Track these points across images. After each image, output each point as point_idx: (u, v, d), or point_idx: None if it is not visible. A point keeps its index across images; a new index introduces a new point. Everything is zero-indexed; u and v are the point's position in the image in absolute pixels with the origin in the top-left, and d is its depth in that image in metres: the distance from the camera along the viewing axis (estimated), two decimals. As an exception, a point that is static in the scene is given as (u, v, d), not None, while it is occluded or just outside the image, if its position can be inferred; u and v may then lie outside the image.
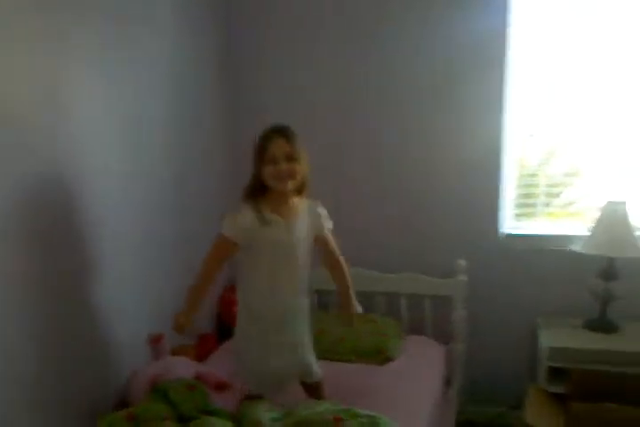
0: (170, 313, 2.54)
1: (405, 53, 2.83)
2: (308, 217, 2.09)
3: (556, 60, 2.74)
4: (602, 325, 2.60)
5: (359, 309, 2.20)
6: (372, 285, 2.94)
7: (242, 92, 3.06)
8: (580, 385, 2.33)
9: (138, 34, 2.33)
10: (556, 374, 2.46)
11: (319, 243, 2.15)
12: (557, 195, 2.89)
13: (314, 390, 2.21)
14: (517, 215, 2.95)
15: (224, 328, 3.00)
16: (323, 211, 2.14)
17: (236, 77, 3.05)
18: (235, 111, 3.07)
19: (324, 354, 2.50)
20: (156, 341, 2.43)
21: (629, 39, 2.64)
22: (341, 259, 2.20)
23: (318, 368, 2.19)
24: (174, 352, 2.52)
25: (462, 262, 2.82)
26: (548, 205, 2.91)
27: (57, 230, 1.94)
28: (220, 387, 2.37)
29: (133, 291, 2.36)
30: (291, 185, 1.97)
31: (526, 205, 2.94)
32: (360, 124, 2.94)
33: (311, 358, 2.18)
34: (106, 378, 2.21)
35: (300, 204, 2.07)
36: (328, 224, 2.16)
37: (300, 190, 2.05)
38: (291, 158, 1.94)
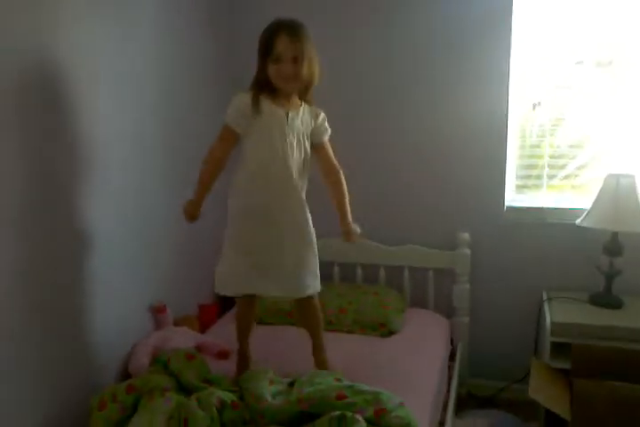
0: (171, 282, 2.57)
1: (409, 24, 2.77)
2: (307, 116, 2.05)
3: (565, 26, 2.68)
4: (607, 300, 2.58)
5: (357, 229, 2.14)
6: (375, 257, 2.94)
7: (240, 76, 2.99)
8: (581, 361, 2.31)
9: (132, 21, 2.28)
10: (560, 349, 2.44)
11: (317, 150, 2.11)
12: (562, 167, 2.83)
13: (305, 309, 2.19)
14: (521, 187, 2.91)
15: (226, 299, 2.99)
16: (323, 117, 2.11)
17: (233, 61, 2.99)
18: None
19: (325, 326, 2.50)
20: (158, 311, 2.43)
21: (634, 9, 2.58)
22: (338, 168, 2.15)
23: (315, 281, 2.14)
24: (177, 323, 2.53)
25: (465, 235, 2.80)
26: (552, 177, 2.85)
27: (52, 211, 1.92)
28: (222, 355, 2.38)
29: (134, 261, 2.34)
30: (294, 87, 1.95)
31: (530, 177, 2.89)
32: (365, 95, 2.90)
33: (311, 266, 2.12)
34: (108, 348, 2.20)
35: (299, 103, 2.04)
36: (327, 131, 2.13)
37: (304, 92, 2.02)
38: (297, 60, 1.89)
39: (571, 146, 2.82)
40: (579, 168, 2.82)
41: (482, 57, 2.69)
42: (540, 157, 2.84)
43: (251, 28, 2.04)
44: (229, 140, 2.01)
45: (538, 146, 2.85)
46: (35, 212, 1.82)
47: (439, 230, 2.89)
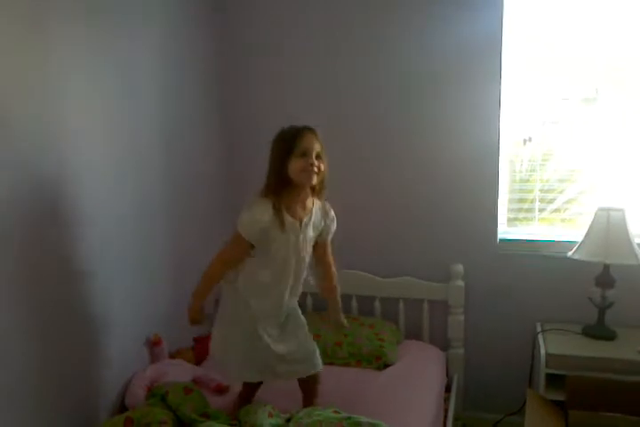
0: (167, 315, 2.56)
1: (400, 57, 2.84)
2: (318, 217, 2.11)
3: (550, 65, 2.76)
4: (600, 332, 2.60)
5: (344, 321, 2.24)
6: (371, 289, 2.96)
7: (234, 85, 3.06)
8: (576, 392, 2.32)
9: (127, 26, 2.32)
10: (554, 380, 2.45)
11: (319, 246, 2.16)
12: (551, 200, 2.88)
13: (311, 384, 2.20)
14: (512, 220, 2.95)
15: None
16: (332, 217, 2.17)
17: (227, 68, 3.05)
18: (227, 112, 3.08)
19: (321, 358, 2.51)
20: (154, 344, 2.43)
21: (622, 40, 2.66)
22: (334, 267, 2.23)
23: (319, 359, 2.20)
24: (172, 356, 2.52)
25: (459, 267, 2.84)
26: (542, 210, 2.90)
27: (47, 232, 1.94)
28: (219, 390, 2.37)
29: (129, 294, 2.35)
30: (315, 181, 1.99)
31: (521, 210, 2.94)
32: (355, 128, 2.94)
33: (313, 345, 2.20)
34: (104, 382, 2.20)
35: (312, 203, 2.09)
36: (333, 229, 2.18)
37: (316, 190, 2.08)
38: (318, 156, 1.98)
39: (560, 180, 2.87)
40: (568, 202, 2.87)
41: (473, 93, 2.75)
42: (531, 191, 2.90)
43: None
44: (242, 250, 2.04)
45: (528, 180, 2.91)
46: (31, 243, 1.84)
47: (433, 262, 2.92)
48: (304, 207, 2.05)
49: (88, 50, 2.08)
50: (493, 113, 2.75)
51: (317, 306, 3.02)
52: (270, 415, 1.97)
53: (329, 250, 2.21)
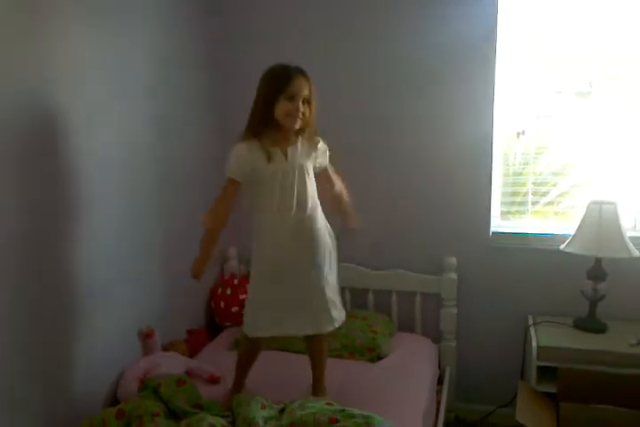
0: (160, 307, 2.56)
1: (393, 54, 2.83)
2: (306, 147, 2.11)
3: (544, 59, 2.76)
4: (591, 324, 2.62)
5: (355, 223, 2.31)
6: (363, 282, 2.97)
7: (228, 84, 3.05)
8: (567, 385, 2.35)
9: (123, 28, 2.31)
10: (546, 373, 2.47)
11: (321, 178, 2.21)
12: (544, 194, 2.89)
13: (314, 343, 2.23)
14: (505, 213, 2.96)
15: (215, 324, 3.00)
16: (323, 145, 2.18)
17: (222, 68, 3.04)
18: (222, 106, 3.06)
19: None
20: (147, 336, 2.43)
21: (617, 36, 2.66)
22: (339, 179, 2.28)
23: (339, 314, 2.21)
24: (165, 348, 2.52)
25: (452, 260, 2.84)
26: (535, 203, 2.91)
27: (42, 227, 1.93)
28: (212, 381, 2.37)
29: (122, 285, 2.34)
30: (298, 125, 2.01)
31: (514, 203, 2.95)
32: (349, 122, 2.93)
33: (329, 299, 2.17)
34: (96, 374, 2.20)
35: (296, 139, 2.10)
36: (327, 155, 2.22)
37: (301, 133, 2.09)
38: (305, 100, 1.98)
39: (553, 173, 2.88)
40: (561, 195, 2.88)
41: (467, 87, 2.75)
42: (524, 184, 2.90)
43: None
44: (234, 193, 2.07)
45: (521, 173, 2.91)
46: (25, 238, 1.84)
47: (426, 255, 2.92)
48: (287, 140, 2.07)
49: (86, 49, 2.07)
50: (487, 107, 2.75)
51: None
52: (263, 407, 1.97)
53: (331, 172, 2.26)
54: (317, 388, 2.24)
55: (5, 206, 1.75)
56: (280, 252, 2.08)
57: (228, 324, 2.95)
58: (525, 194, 2.91)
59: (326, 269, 2.15)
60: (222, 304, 2.93)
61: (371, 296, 2.98)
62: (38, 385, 1.91)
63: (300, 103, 1.97)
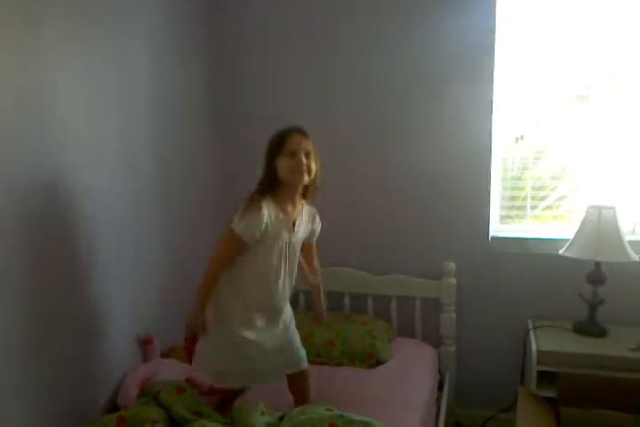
0: (159, 314, 2.56)
1: (393, 58, 2.84)
2: (306, 220, 2.15)
3: (542, 64, 2.77)
4: (591, 329, 2.62)
5: (325, 316, 2.35)
6: (363, 287, 2.96)
7: (230, 93, 3.05)
8: (567, 389, 2.34)
9: (119, 35, 2.30)
10: (546, 377, 2.47)
11: (306, 247, 2.23)
12: (543, 198, 2.90)
13: (299, 380, 2.22)
14: (504, 218, 2.96)
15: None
16: (318, 219, 2.22)
17: (224, 78, 3.04)
18: (221, 112, 3.06)
19: (313, 358, 2.53)
20: (146, 343, 2.42)
21: (614, 39, 2.67)
22: (318, 267, 2.32)
23: (305, 356, 2.22)
24: (165, 354, 2.51)
25: (451, 265, 2.84)
26: (534, 208, 2.91)
27: (45, 234, 1.93)
28: (212, 391, 2.36)
29: (122, 293, 2.34)
30: (306, 180, 2.01)
31: (512, 207, 2.95)
32: (349, 127, 2.94)
33: (299, 343, 2.23)
34: (96, 381, 2.19)
35: (302, 204, 2.12)
36: (318, 232, 2.25)
37: (306, 192, 2.10)
38: (307, 155, 1.99)
39: (552, 177, 2.88)
40: (560, 199, 2.89)
41: (466, 92, 2.75)
42: (522, 188, 2.91)
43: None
44: (237, 250, 2.03)
45: (520, 178, 2.92)
46: (29, 243, 1.84)
47: (425, 260, 2.92)
48: (294, 207, 2.08)
49: (82, 50, 2.06)
50: (486, 111, 2.75)
51: (310, 305, 3.02)
52: (263, 414, 1.97)
53: (315, 252, 2.30)
54: None
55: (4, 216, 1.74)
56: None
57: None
58: (524, 198, 2.91)
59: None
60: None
61: (370, 301, 2.97)
62: (39, 390, 1.89)
63: (303, 157, 1.98)
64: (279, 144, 1.99)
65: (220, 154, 3.04)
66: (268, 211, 1.96)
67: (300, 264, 2.21)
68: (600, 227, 2.49)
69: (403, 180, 2.92)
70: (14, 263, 1.78)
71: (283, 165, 1.98)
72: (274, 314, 2.12)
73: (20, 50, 1.79)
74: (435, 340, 2.90)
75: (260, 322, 2.09)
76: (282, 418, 1.99)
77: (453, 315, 2.86)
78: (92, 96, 2.14)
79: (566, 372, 2.38)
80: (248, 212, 1.95)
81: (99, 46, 2.16)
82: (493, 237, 2.89)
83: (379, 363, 2.60)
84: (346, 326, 2.77)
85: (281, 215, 2.01)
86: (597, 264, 2.57)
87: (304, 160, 1.97)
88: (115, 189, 2.26)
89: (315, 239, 2.26)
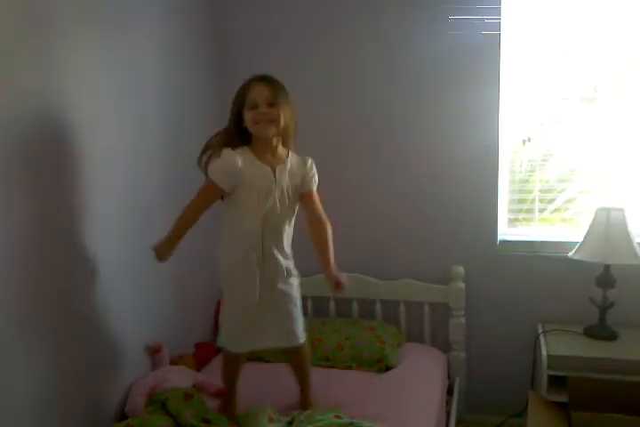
0: (167, 322, 2.56)
1: (399, 61, 2.83)
2: (295, 168, 2.06)
3: (549, 65, 2.75)
4: (601, 332, 2.59)
5: (343, 276, 2.12)
6: (371, 292, 2.95)
7: (237, 76, 3.04)
8: (578, 394, 2.32)
9: (126, 33, 2.31)
10: (557, 382, 2.44)
11: (304, 199, 2.12)
12: (551, 201, 2.87)
13: (294, 355, 2.22)
14: (512, 221, 2.94)
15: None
16: (312, 167, 2.11)
17: (228, 71, 3.04)
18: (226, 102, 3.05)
19: (322, 361, 2.53)
20: (155, 351, 2.42)
21: (621, 39, 2.65)
22: (325, 219, 2.15)
23: (302, 333, 2.17)
24: (174, 362, 2.51)
25: (460, 269, 2.83)
26: (542, 210, 2.89)
27: (50, 237, 1.93)
28: (219, 394, 2.36)
29: (131, 301, 2.34)
30: (273, 131, 1.94)
31: (520, 210, 2.93)
32: (354, 129, 2.94)
33: (296, 316, 2.16)
34: (105, 390, 2.19)
35: (285, 154, 2.05)
36: (315, 180, 2.13)
37: (284, 139, 2.03)
38: (272, 104, 1.92)
39: (560, 180, 2.86)
40: (568, 202, 2.87)
41: (472, 94, 2.74)
42: (530, 191, 2.89)
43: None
44: (213, 195, 2.03)
45: (527, 180, 2.90)
46: (32, 251, 1.84)
47: (434, 264, 2.91)
48: (275, 156, 2.02)
49: (89, 48, 2.07)
50: (492, 113, 2.75)
51: (320, 311, 3.02)
52: (271, 420, 1.96)
53: (317, 203, 2.14)
54: (304, 402, 2.23)
55: (7, 219, 1.75)
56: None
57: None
58: (532, 201, 2.89)
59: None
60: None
61: (378, 306, 2.96)
62: (48, 398, 1.90)
63: (266, 107, 1.91)
64: (242, 95, 1.94)
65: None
66: (238, 155, 1.95)
67: (309, 219, 2.13)
68: (609, 229, 2.47)
69: (409, 183, 2.91)
70: (16, 271, 1.78)
71: (246, 116, 1.93)
72: (267, 270, 2.06)
73: (26, 50, 1.80)
74: (444, 345, 2.89)
75: (252, 281, 2.04)
76: (290, 423, 1.98)
77: (462, 319, 2.85)
78: (100, 91, 2.15)
79: (577, 376, 2.36)
80: (218, 157, 1.96)
81: (105, 45, 2.17)
82: (502, 241, 2.87)
83: (387, 368, 2.58)
84: (354, 330, 2.76)
85: (257, 162, 1.97)
86: (607, 267, 2.55)
87: (265, 110, 1.91)
88: (120, 189, 2.27)
89: (311, 187, 2.12)
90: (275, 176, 2.00)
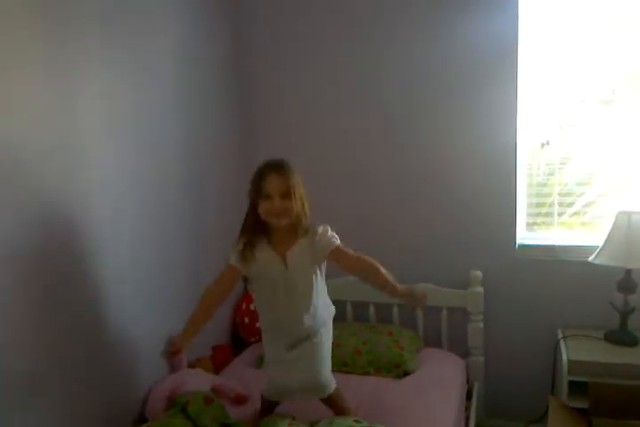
0: (184, 324, 2.55)
1: (417, 60, 2.83)
2: (306, 246, 2.03)
3: (567, 68, 2.74)
4: (622, 338, 2.56)
5: (418, 290, 2.12)
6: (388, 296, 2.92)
7: (250, 91, 3.09)
8: (599, 399, 2.29)
9: (141, 37, 2.32)
10: (577, 387, 2.42)
11: (333, 259, 2.07)
12: (570, 204, 2.85)
13: (331, 403, 2.18)
14: (531, 225, 2.92)
15: (240, 340, 2.99)
16: (322, 234, 2.04)
17: (244, 77, 3.07)
18: (243, 108, 3.08)
19: (340, 367, 2.51)
20: (173, 354, 2.42)
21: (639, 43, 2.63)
22: (368, 261, 2.09)
23: (331, 382, 2.14)
24: (192, 365, 2.52)
25: (478, 273, 2.81)
26: (561, 214, 2.87)
27: (67, 243, 1.94)
28: (239, 400, 2.36)
29: (148, 303, 2.35)
30: (285, 221, 1.97)
31: (539, 214, 2.91)
32: (370, 132, 2.94)
33: (324, 370, 2.13)
34: (124, 393, 2.20)
35: (300, 234, 2.03)
36: (332, 241, 2.05)
37: (298, 221, 2.01)
38: (285, 195, 1.93)
39: (578, 183, 2.84)
40: (587, 205, 2.84)
41: (490, 97, 2.74)
42: (549, 194, 2.86)
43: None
44: (231, 277, 2.09)
45: (545, 184, 2.88)
46: (46, 251, 1.85)
47: (452, 269, 2.89)
48: (286, 242, 2.03)
49: (103, 45, 2.09)
50: (510, 117, 2.73)
51: (335, 315, 3.01)
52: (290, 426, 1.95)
53: (349, 254, 2.06)
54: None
55: (9, 219, 1.76)
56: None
57: (252, 339, 2.94)
58: (551, 205, 2.87)
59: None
60: (247, 320, 2.92)
61: (395, 311, 2.95)
62: (68, 403, 1.91)
63: (279, 199, 1.93)
64: (256, 186, 1.97)
65: (242, 140, 3.08)
66: (245, 246, 2.01)
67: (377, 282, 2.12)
68: (630, 233, 2.45)
69: (427, 188, 2.90)
70: (34, 273, 1.79)
71: (260, 207, 1.96)
72: (294, 342, 2.08)
73: (35, 60, 1.81)
74: (462, 350, 2.87)
75: (281, 351, 2.09)
76: (310, 430, 1.97)
77: (481, 324, 2.83)
78: (115, 99, 2.16)
79: (598, 382, 2.33)
80: (231, 247, 2.05)
81: (120, 41, 2.18)
82: (520, 245, 2.85)
83: (406, 373, 2.57)
84: (372, 335, 2.75)
85: (270, 250, 2.02)
86: (628, 272, 2.52)
87: (279, 203, 1.93)
88: (140, 190, 2.29)
89: (332, 246, 2.03)
90: (286, 262, 2.02)
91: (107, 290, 2.10)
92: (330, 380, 2.14)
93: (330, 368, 2.16)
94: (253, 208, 2.00)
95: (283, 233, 2.02)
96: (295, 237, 2.03)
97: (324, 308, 2.14)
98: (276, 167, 1.96)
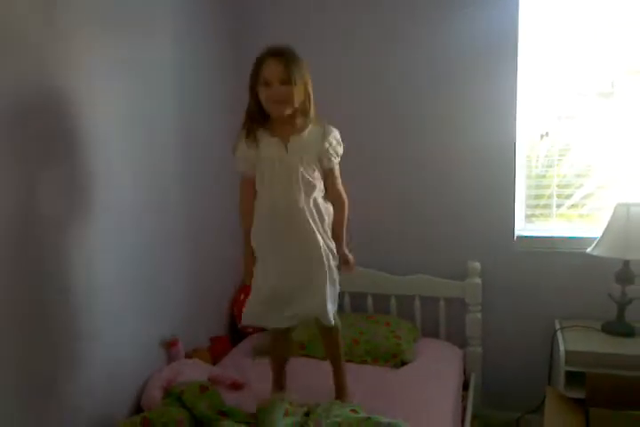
0: (183, 315, 2.56)
1: (417, 55, 2.82)
2: (312, 140, 2.00)
3: (566, 60, 2.73)
4: (620, 328, 2.57)
5: (351, 257, 2.14)
6: (386, 287, 2.94)
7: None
8: (596, 390, 2.29)
9: (139, 33, 2.31)
10: (574, 378, 2.42)
11: (325, 174, 2.07)
12: (568, 196, 2.85)
13: (326, 334, 2.20)
14: (530, 216, 2.93)
15: (237, 331, 2.99)
16: (333, 139, 2.03)
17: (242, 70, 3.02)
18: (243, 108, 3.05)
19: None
20: (171, 345, 2.43)
21: (638, 36, 2.62)
22: (339, 196, 2.11)
23: (331, 312, 2.05)
24: (189, 355, 2.52)
25: (476, 264, 2.81)
26: (560, 206, 2.87)
27: (66, 236, 1.94)
28: (234, 386, 2.37)
29: (145, 294, 2.35)
30: (287, 109, 1.91)
31: (538, 206, 2.91)
32: (370, 124, 2.93)
33: (327, 292, 2.04)
34: (122, 383, 2.20)
35: (306, 125, 1.99)
36: (334, 156, 2.06)
37: (303, 111, 1.97)
38: (285, 82, 1.87)
39: (577, 175, 2.84)
40: (586, 197, 2.84)
41: (489, 89, 2.73)
42: (548, 186, 2.86)
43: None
44: (249, 186, 2.06)
45: (544, 176, 2.87)
46: (43, 246, 1.85)
47: (450, 260, 2.89)
48: (292, 129, 1.98)
49: (102, 46, 2.08)
50: (510, 109, 2.73)
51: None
52: (287, 413, 1.95)
53: (334, 181, 2.09)
54: (340, 393, 2.23)
55: (10, 213, 1.76)
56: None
57: (249, 330, 2.94)
58: (549, 196, 2.87)
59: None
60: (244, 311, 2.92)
61: (393, 302, 2.95)
62: (64, 392, 1.91)
63: (279, 85, 1.87)
64: (255, 72, 1.91)
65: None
66: (248, 134, 1.98)
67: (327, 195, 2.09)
68: (628, 224, 2.44)
69: (426, 179, 2.90)
70: (28, 259, 1.79)
71: (260, 95, 1.91)
72: (290, 241, 2.01)
73: (40, 54, 1.81)
74: (460, 340, 2.87)
75: (274, 256, 2.04)
76: (307, 414, 1.97)
77: (479, 315, 2.83)
78: (112, 94, 2.15)
79: (595, 372, 2.33)
80: (234, 148, 2.03)
81: (118, 41, 2.17)
82: (519, 236, 2.85)
83: (403, 363, 2.58)
84: (369, 325, 2.75)
85: (269, 138, 1.97)
86: (626, 263, 2.52)
87: (278, 90, 1.87)
88: (132, 181, 2.27)
89: (330, 163, 2.05)
90: (286, 148, 1.97)
91: (104, 280, 2.10)
92: (332, 310, 2.06)
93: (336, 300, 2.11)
94: (255, 97, 1.94)
95: (285, 123, 1.97)
96: (297, 128, 1.98)
97: (322, 204, 2.07)
98: (276, 53, 1.90)
